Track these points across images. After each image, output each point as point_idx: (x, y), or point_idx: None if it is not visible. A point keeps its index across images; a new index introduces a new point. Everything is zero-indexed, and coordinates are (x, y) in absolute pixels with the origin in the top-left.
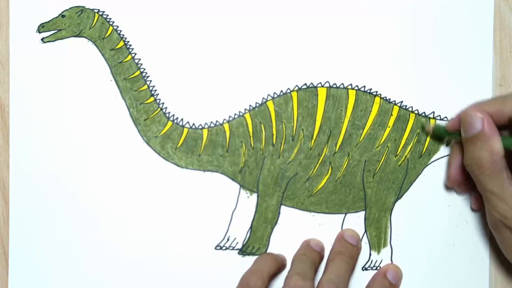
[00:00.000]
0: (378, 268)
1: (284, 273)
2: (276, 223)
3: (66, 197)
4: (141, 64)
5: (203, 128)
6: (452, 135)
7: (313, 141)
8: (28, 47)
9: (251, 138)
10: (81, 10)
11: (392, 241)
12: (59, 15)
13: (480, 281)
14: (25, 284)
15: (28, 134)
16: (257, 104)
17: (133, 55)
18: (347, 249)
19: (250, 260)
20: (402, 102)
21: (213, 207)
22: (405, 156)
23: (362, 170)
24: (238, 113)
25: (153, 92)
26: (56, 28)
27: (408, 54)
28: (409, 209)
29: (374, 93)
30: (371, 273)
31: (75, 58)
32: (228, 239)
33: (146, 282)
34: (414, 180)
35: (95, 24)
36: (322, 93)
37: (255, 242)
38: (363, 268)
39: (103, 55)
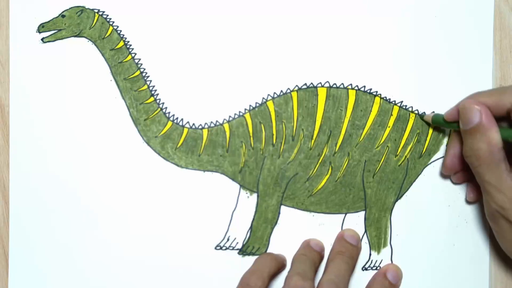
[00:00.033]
0: (378, 268)
1: (284, 273)
2: (276, 223)
3: (66, 197)
4: (141, 64)
5: (203, 128)
6: (451, 125)
7: (313, 141)
8: (28, 47)
9: (251, 138)
10: (81, 10)
11: (392, 241)
12: (59, 15)
13: (480, 281)
14: (25, 284)
15: (28, 134)
16: (257, 104)
17: (133, 55)
18: (347, 249)
19: (250, 260)
20: (402, 102)
21: (213, 207)
22: (405, 156)
23: (362, 170)
24: (238, 113)
25: (153, 92)
26: (56, 28)
27: (408, 54)
28: (409, 209)
29: (374, 93)
30: (371, 273)
31: (75, 58)
32: (228, 239)
33: (146, 282)
34: (414, 180)
35: (95, 24)
36: (322, 93)
37: (255, 242)
38: (363, 268)
39: (103, 55)
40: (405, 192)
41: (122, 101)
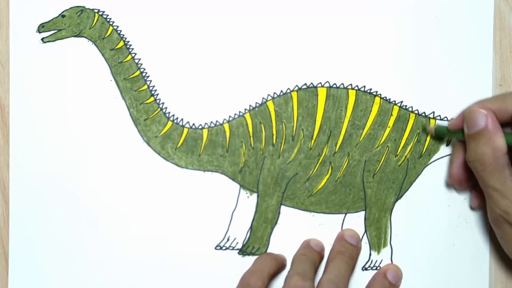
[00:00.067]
0: (378, 268)
1: (284, 273)
2: (276, 223)
3: (66, 197)
4: (141, 64)
5: (203, 128)
6: (455, 134)
7: (313, 141)
8: (28, 47)
9: (251, 138)
10: (81, 10)
11: (392, 241)
12: (59, 15)
13: (480, 281)
14: (25, 284)
15: (28, 134)
16: (257, 104)
17: (133, 55)
18: (347, 249)
19: (250, 260)
20: (402, 102)
21: (213, 207)
22: (405, 156)
23: (362, 170)
24: (238, 113)
25: (153, 92)
26: (56, 28)
27: (408, 54)
28: (409, 209)
29: (374, 93)
30: (371, 273)
31: (75, 58)
32: (228, 239)
33: (146, 282)
34: (414, 180)
35: (95, 24)
36: (322, 93)
37: (255, 242)
38: (363, 268)
39: (103, 55)
40: (405, 192)
41: (122, 101)
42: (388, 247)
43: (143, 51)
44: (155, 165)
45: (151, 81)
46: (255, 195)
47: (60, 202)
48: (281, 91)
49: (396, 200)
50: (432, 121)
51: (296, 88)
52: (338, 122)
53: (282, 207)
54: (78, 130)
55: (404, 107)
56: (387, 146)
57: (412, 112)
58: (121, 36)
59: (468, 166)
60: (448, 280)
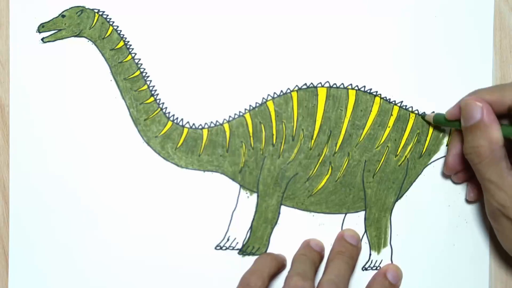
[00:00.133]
0: (378, 268)
1: (284, 273)
2: (276, 223)
3: (66, 197)
4: (141, 64)
5: (203, 128)
6: (452, 123)
7: (313, 141)
8: (28, 47)
9: (251, 138)
10: (81, 10)
11: (392, 241)
12: (59, 15)
13: (480, 281)
14: (25, 284)
15: (28, 134)
16: (257, 104)
17: (133, 55)
18: (347, 249)
19: (250, 260)
20: (402, 102)
21: (213, 207)
22: (405, 156)
23: (362, 170)
24: (238, 113)
25: (153, 92)
26: (56, 28)
27: (408, 54)
28: (409, 209)
29: (374, 93)
30: (371, 273)
31: (75, 58)
32: (228, 239)
33: (146, 282)
34: (414, 180)
35: (95, 24)
36: (322, 93)
37: (255, 242)
38: (363, 268)
39: (103, 55)
40: (405, 192)
41: (122, 101)
42: (388, 247)
43: (143, 51)
44: (155, 165)
45: (151, 81)
46: (255, 195)
47: (60, 202)
48: (281, 91)
49: (396, 200)
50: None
51: (296, 88)
52: (338, 122)
53: (282, 207)
54: (78, 130)
55: (404, 107)
56: (387, 146)
57: (412, 112)
58: (121, 36)
59: (464, 157)
60: (448, 280)
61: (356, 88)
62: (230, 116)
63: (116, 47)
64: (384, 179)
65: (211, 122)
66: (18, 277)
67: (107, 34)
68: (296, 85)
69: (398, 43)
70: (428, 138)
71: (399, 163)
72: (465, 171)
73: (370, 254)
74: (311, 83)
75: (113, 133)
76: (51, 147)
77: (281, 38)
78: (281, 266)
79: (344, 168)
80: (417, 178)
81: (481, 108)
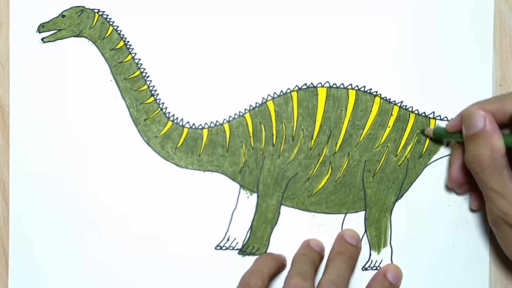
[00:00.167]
0: (378, 268)
1: (284, 273)
2: (276, 223)
3: (66, 197)
4: (141, 64)
5: (203, 128)
6: (453, 135)
7: (313, 141)
8: (28, 47)
9: (251, 138)
10: (81, 10)
11: (392, 241)
12: (59, 15)
13: (480, 281)
14: (25, 284)
15: (28, 134)
16: (257, 104)
17: (133, 55)
18: (347, 249)
19: (250, 260)
20: (402, 102)
21: (213, 207)
22: (405, 156)
23: (362, 170)
24: (238, 113)
25: (153, 92)
26: (56, 28)
27: (408, 54)
28: (409, 209)
29: (374, 93)
30: (371, 273)
31: (75, 58)
32: (228, 239)
33: (146, 282)
34: (414, 180)
35: (95, 24)
36: (322, 93)
37: (255, 242)
38: (363, 268)
39: (103, 55)
40: (405, 192)
41: (122, 101)
42: (388, 247)
43: (143, 51)
44: (155, 165)
45: (151, 81)
46: (255, 195)
47: (60, 202)
48: (281, 91)
49: (396, 200)
50: (432, 121)
51: (296, 88)
52: (338, 122)
53: (282, 207)
54: (78, 130)
55: (404, 107)
56: (387, 146)
57: (412, 112)
58: (121, 36)
59: (467, 169)
60: (448, 280)
61: (356, 88)
62: (230, 116)
63: (116, 47)
64: (384, 179)
65: (211, 122)
66: (18, 277)
67: (107, 34)
68: (296, 85)
69: (398, 43)
70: (428, 138)
71: (399, 163)
72: (468, 183)
73: (370, 254)
74: (311, 83)
75: (113, 133)
76: (51, 147)
77: (281, 38)
78: (281, 266)
79: (344, 168)
80: (417, 178)
81: (484, 117)
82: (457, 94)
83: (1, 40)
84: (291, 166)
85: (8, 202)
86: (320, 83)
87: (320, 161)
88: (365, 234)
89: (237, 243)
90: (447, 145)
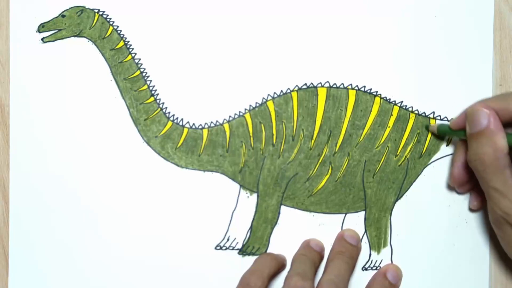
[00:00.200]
0: (378, 268)
1: (284, 273)
2: (276, 223)
3: (66, 197)
4: (141, 64)
5: (203, 128)
6: (457, 133)
7: (313, 141)
8: (28, 47)
9: (251, 138)
10: (81, 10)
11: (392, 241)
12: (59, 15)
13: (480, 281)
14: (25, 284)
15: (28, 134)
16: (257, 104)
17: (133, 55)
18: (347, 249)
19: (250, 260)
20: (402, 102)
21: (213, 207)
22: (405, 156)
23: (362, 170)
24: (238, 113)
25: (153, 92)
26: (56, 28)
27: (408, 54)
28: (409, 209)
29: (374, 93)
30: (371, 273)
31: (75, 58)
32: (228, 239)
33: (146, 282)
34: (414, 180)
35: (95, 24)
36: (322, 93)
37: (255, 242)
38: (363, 268)
39: (103, 55)
40: (405, 192)
41: (122, 101)
42: (388, 247)
43: (143, 51)
44: (155, 165)
45: (151, 81)
46: (255, 195)
47: (60, 202)
48: (281, 91)
49: (396, 200)
50: (432, 121)
51: (296, 88)
52: (338, 122)
53: (282, 207)
54: (78, 130)
55: (404, 107)
56: (387, 146)
57: (412, 112)
58: (121, 36)
59: (470, 167)
60: (448, 280)
61: (356, 88)
62: (230, 116)
63: (116, 47)
64: (384, 179)
65: (211, 122)
66: (18, 277)
67: (107, 34)
68: (296, 85)
69: (398, 43)
70: (428, 138)
71: (399, 163)
72: (469, 182)
73: (370, 254)
74: (311, 83)
75: (113, 133)
76: (51, 147)
77: (281, 38)
78: (281, 266)
79: (344, 168)
80: (417, 178)
81: (488, 115)
82: (457, 94)
83: (1, 40)
84: (291, 166)
85: (8, 202)
86: (320, 83)
87: (320, 161)
88: (365, 234)
89: (237, 243)
90: (448, 144)
